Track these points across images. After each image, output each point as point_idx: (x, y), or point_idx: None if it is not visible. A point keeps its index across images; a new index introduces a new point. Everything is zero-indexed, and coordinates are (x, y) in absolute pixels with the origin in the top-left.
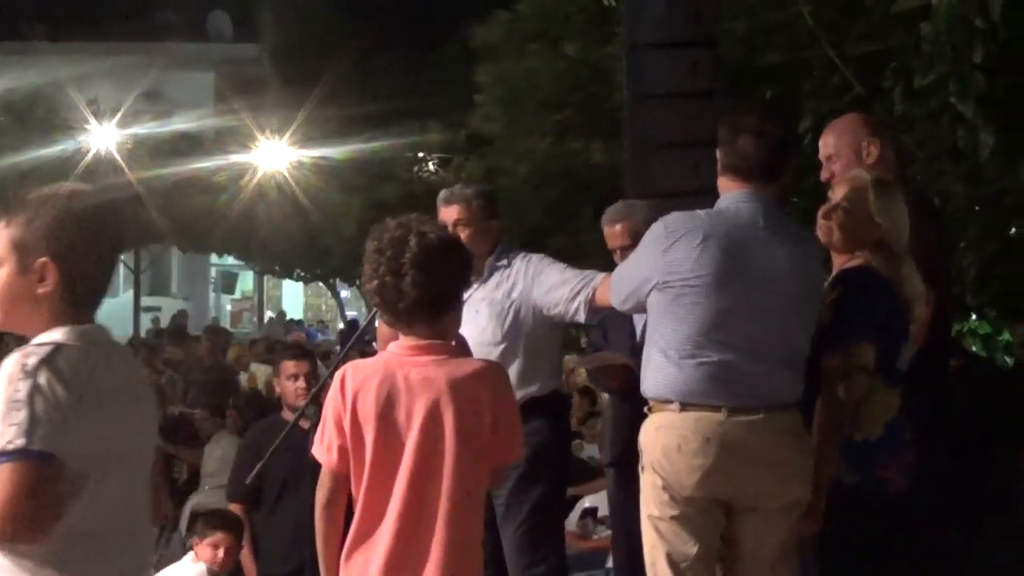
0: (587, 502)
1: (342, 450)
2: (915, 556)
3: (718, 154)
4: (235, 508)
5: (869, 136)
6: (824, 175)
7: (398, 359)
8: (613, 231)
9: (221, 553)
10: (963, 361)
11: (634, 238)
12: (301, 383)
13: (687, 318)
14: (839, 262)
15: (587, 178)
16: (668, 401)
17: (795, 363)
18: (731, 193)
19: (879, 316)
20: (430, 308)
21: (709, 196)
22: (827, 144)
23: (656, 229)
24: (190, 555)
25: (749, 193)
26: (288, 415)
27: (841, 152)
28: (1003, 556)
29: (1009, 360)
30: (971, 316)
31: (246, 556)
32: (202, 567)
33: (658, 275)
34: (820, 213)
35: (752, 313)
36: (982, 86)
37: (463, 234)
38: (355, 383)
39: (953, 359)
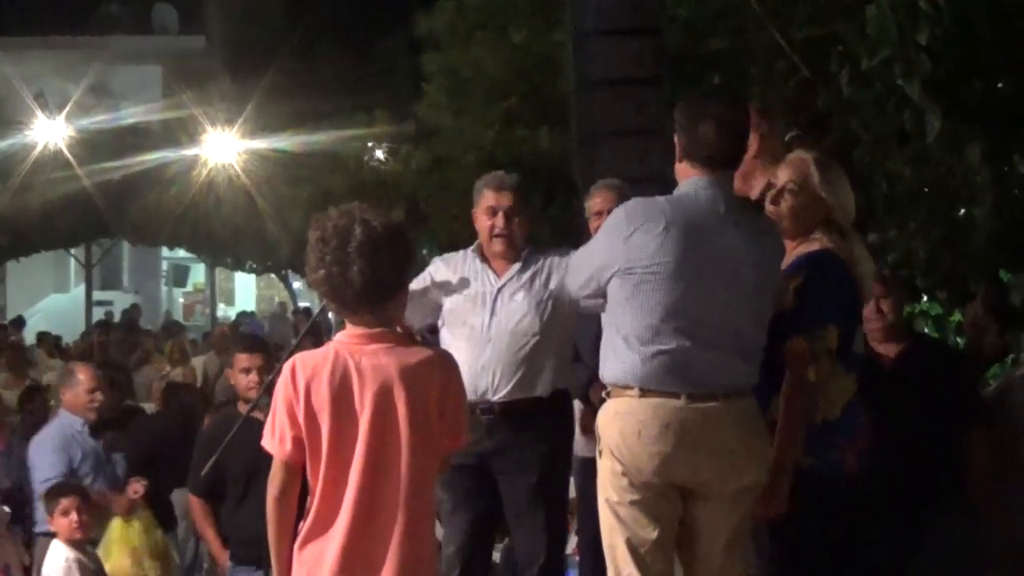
0: None
1: (296, 440)
2: (868, 538)
3: (676, 139)
4: (196, 502)
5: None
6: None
7: (347, 347)
8: (607, 196)
9: (74, 517)
10: (914, 342)
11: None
12: (253, 376)
13: (647, 305)
14: (791, 246)
15: (535, 166)
16: (627, 387)
17: (751, 351)
18: (691, 179)
19: (841, 299)
20: (377, 296)
21: (657, 183)
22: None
23: (616, 216)
24: (54, 542)
25: (709, 180)
26: (243, 408)
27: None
28: (954, 538)
29: (960, 341)
30: (922, 298)
31: (216, 547)
32: (62, 548)
33: (619, 262)
34: (768, 199)
35: (711, 301)
36: (928, 68)
37: (513, 222)
38: (306, 373)
39: (905, 340)
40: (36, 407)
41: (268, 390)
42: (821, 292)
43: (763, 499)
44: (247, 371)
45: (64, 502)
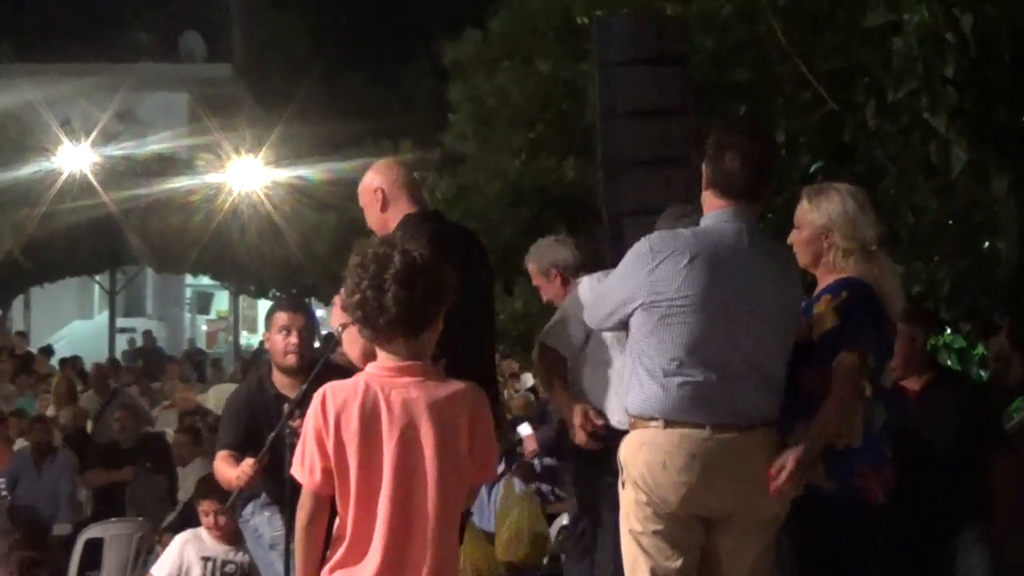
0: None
1: (325, 471)
2: (891, 566)
3: (703, 169)
4: (223, 454)
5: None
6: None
7: (378, 379)
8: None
9: (211, 519)
10: (937, 375)
11: (536, 277)
12: (293, 338)
13: (672, 338)
14: (820, 276)
15: (560, 195)
16: (652, 418)
17: (774, 382)
18: (715, 212)
19: (875, 327)
20: (410, 325)
21: None
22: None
23: (641, 248)
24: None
25: (732, 212)
26: (277, 376)
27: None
28: (976, 569)
29: (983, 374)
30: (945, 330)
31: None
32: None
33: (643, 295)
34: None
35: (735, 334)
36: (953, 100)
37: None
38: (336, 405)
39: (928, 372)
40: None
41: (291, 415)
42: (864, 314)
43: (781, 456)
44: (286, 330)
45: (205, 504)
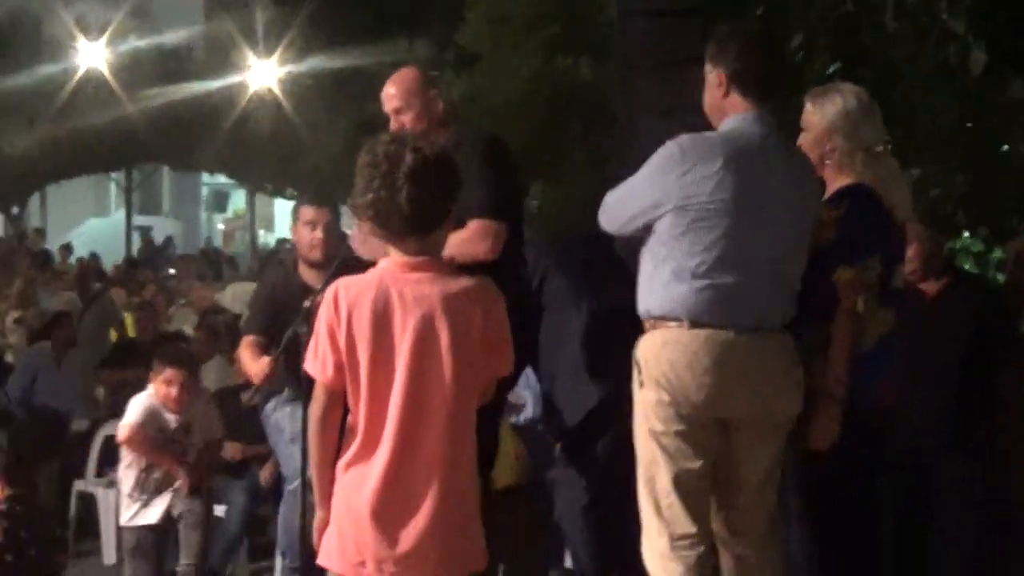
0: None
1: (337, 366)
2: (900, 469)
3: (722, 70)
4: (248, 339)
5: (434, 88)
6: (394, 126)
7: (391, 275)
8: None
9: (175, 390)
10: (955, 278)
11: (404, 100)
12: (318, 232)
13: (702, 241)
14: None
15: (575, 96)
16: (676, 319)
17: (793, 285)
18: (740, 114)
19: (880, 232)
20: (423, 222)
21: (697, 114)
22: (393, 97)
23: (671, 151)
24: (148, 389)
25: (758, 115)
26: (303, 268)
27: (411, 104)
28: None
29: (1001, 277)
30: (963, 233)
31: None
32: (150, 399)
33: (674, 199)
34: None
35: (762, 237)
36: (971, 2)
37: None
38: (349, 300)
39: (945, 276)
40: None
41: (306, 318)
42: (863, 223)
43: (816, 428)
44: (312, 225)
45: (168, 373)
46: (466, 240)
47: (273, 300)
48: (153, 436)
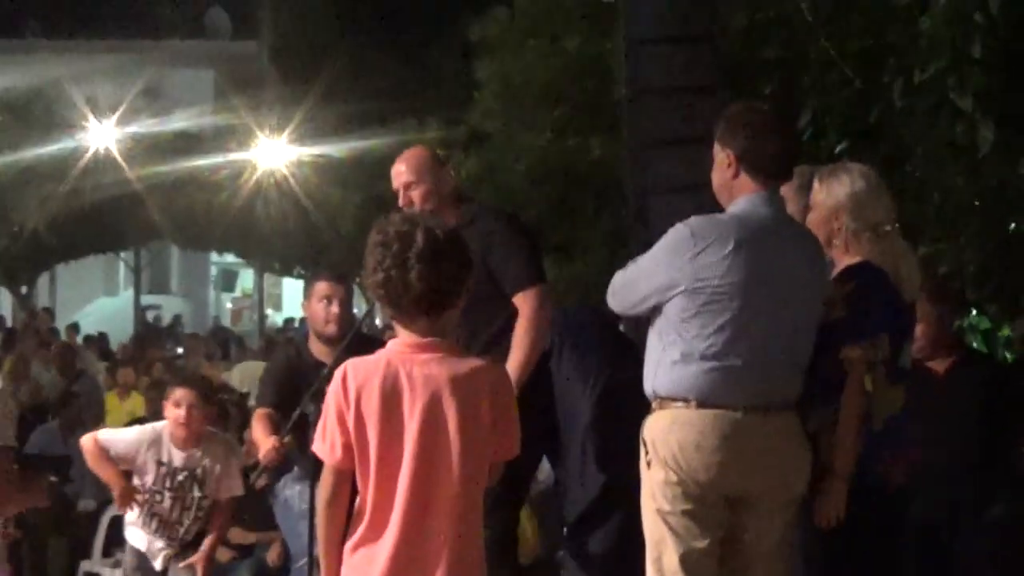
0: None
1: (346, 447)
2: (912, 549)
3: (732, 150)
4: (262, 412)
5: (443, 166)
6: (403, 202)
7: (399, 356)
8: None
9: (183, 411)
10: (963, 356)
11: (415, 175)
12: (334, 307)
13: (712, 323)
14: (838, 267)
15: (586, 173)
16: (684, 399)
17: (802, 365)
18: (750, 195)
19: (888, 311)
20: (433, 303)
21: (707, 191)
22: (402, 173)
23: (682, 234)
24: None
25: (767, 196)
26: (315, 344)
27: (421, 180)
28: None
29: (1009, 356)
30: (972, 311)
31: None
32: (156, 429)
33: (687, 281)
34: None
35: (772, 319)
36: (981, 80)
37: None
38: (357, 381)
39: (953, 355)
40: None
41: (314, 397)
42: (871, 301)
43: (822, 505)
44: (328, 300)
45: (178, 393)
46: (530, 321)
47: (287, 374)
48: (140, 464)
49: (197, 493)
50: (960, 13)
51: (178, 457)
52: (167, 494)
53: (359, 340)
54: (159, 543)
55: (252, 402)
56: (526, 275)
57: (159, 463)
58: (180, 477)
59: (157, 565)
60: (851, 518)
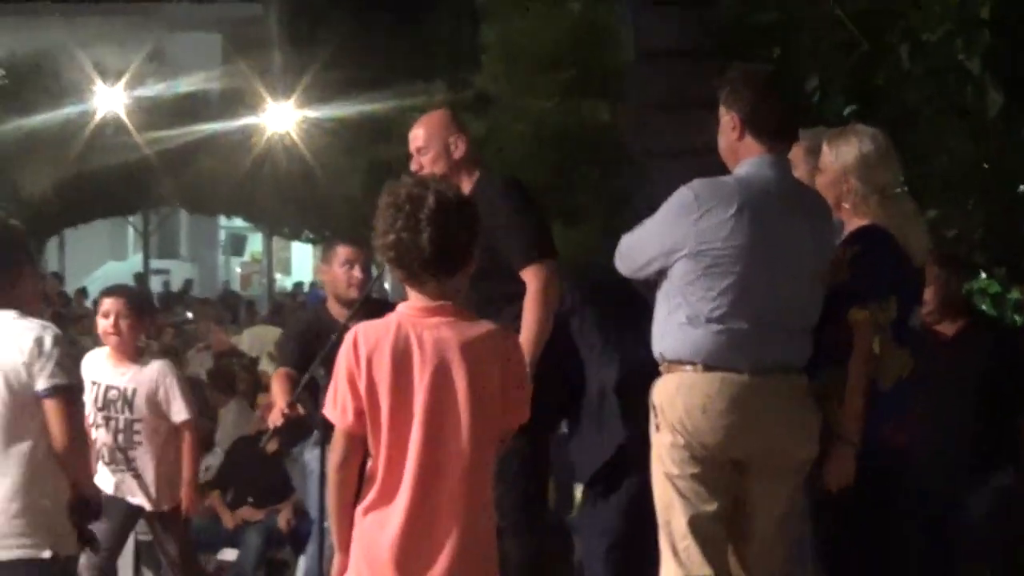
0: None
1: (357, 412)
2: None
3: (737, 113)
4: (283, 371)
5: (456, 132)
6: (414, 166)
7: (409, 319)
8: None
9: (111, 321)
10: (972, 320)
11: (426, 139)
12: (356, 271)
13: (716, 286)
14: (847, 229)
15: (589, 137)
16: (690, 362)
17: (808, 328)
18: (756, 157)
19: (895, 273)
20: (444, 265)
21: (712, 155)
22: (417, 137)
23: (685, 197)
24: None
25: (773, 159)
26: (334, 307)
27: (431, 145)
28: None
29: (1018, 319)
30: (980, 274)
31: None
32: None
33: (690, 244)
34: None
35: (778, 282)
36: (988, 42)
37: None
38: (368, 345)
39: (962, 317)
40: None
41: (324, 361)
42: (878, 264)
43: (830, 470)
44: (350, 264)
45: (107, 304)
46: (537, 297)
47: (308, 333)
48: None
49: (127, 414)
50: None
51: (110, 375)
52: (98, 415)
53: (369, 304)
54: (122, 477)
55: (262, 366)
56: (523, 255)
57: (93, 383)
58: (110, 395)
59: (136, 502)
60: (856, 482)
